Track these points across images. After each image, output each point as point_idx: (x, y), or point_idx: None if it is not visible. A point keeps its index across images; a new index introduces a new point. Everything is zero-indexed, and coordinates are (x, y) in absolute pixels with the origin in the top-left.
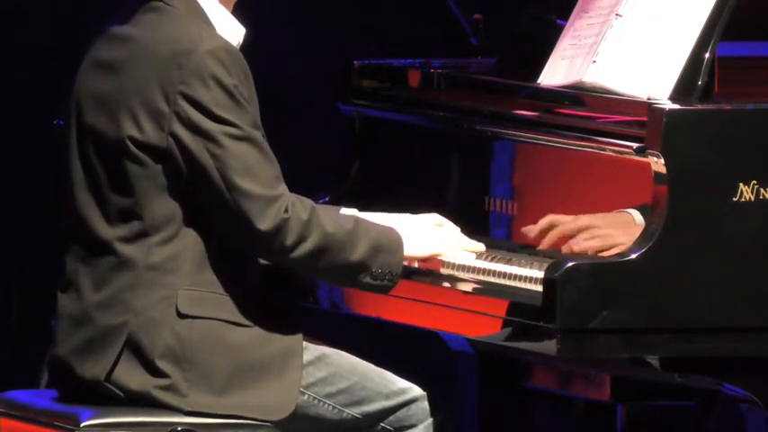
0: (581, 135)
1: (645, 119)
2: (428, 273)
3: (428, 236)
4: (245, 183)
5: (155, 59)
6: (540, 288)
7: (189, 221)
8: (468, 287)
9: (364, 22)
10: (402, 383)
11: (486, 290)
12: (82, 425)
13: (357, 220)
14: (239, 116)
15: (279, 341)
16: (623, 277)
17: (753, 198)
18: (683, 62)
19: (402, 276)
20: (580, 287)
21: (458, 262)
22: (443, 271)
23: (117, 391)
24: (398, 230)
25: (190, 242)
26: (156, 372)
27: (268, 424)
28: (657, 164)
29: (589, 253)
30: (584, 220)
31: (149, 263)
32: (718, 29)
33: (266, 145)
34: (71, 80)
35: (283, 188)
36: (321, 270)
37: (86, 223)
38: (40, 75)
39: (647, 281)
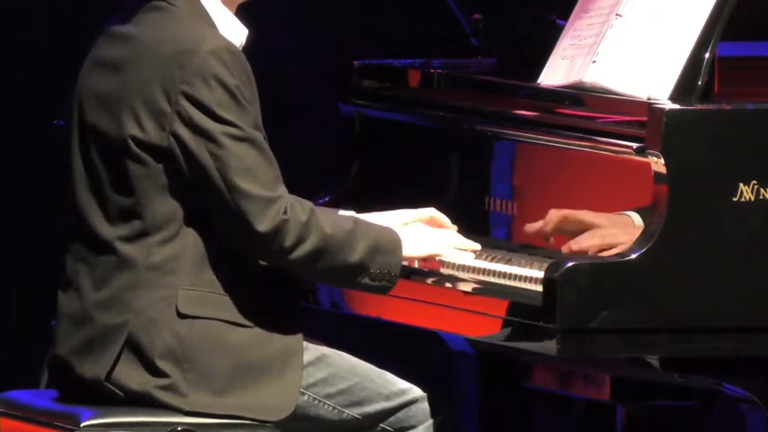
0: (581, 135)
1: (645, 119)
2: (428, 273)
3: (426, 236)
4: (244, 183)
5: (157, 59)
6: (540, 288)
7: (189, 221)
8: (468, 287)
9: (364, 22)
10: (402, 384)
11: (486, 290)
12: (82, 425)
13: (356, 221)
14: (240, 117)
15: (279, 341)
16: (623, 277)
17: (753, 198)
18: (683, 62)
19: (402, 276)
20: (580, 287)
21: (457, 262)
22: (443, 271)
23: (117, 391)
24: (397, 231)
25: (190, 242)
26: (156, 372)
27: (268, 424)
28: (657, 164)
29: (589, 252)
30: (586, 213)
31: (150, 262)
32: (718, 29)
33: (267, 146)
34: (72, 80)
35: (283, 190)
36: (320, 271)
37: (87, 223)
38: (40, 75)
39: (647, 281)
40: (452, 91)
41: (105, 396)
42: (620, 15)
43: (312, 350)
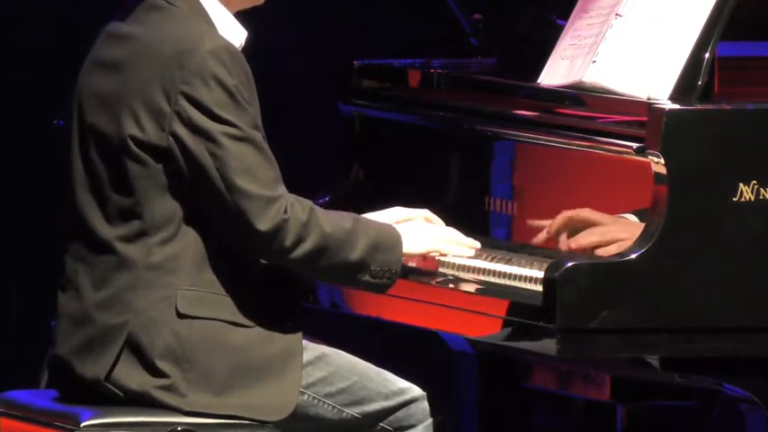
0: (581, 135)
1: (645, 119)
2: (428, 272)
3: (426, 232)
4: (244, 183)
5: (157, 59)
6: (540, 288)
7: (189, 221)
8: (468, 287)
9: (364, 22)
10: (402, 383)
11: (486, 290)
12: (82, 425)
13: (355, 219)
14: (239, 117)
15: (279, 341)
16: (623, 277)
17: (753, 198)
18: (683, 62)
19: (402, 276)
20: (580, 287)
21: (458, 261)
22: (443, 271)
23: (117, 391)
24: (397, 228)
25: (190, 242)
26: (155, 372)
27: (268, 424)
28: (657, 164)
29: (588, 250)
30: (586, 212)
31: (149, 262)
32: (718, 29)
33: (266, 146)
34: (72, 80)
35: (283, 189)
36: (320, 270)
37: (86, 223)
38: (40, 75)
39: (647, 281)
40: (452, 91)
41: (105, 396)
42: (620, 15)
43: (311, 349)
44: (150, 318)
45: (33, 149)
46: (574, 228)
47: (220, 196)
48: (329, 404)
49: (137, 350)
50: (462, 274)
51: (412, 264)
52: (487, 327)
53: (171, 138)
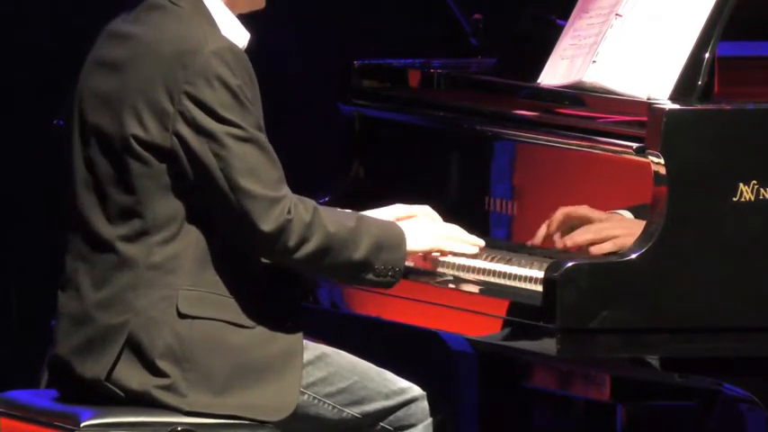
0: (581, 135)
1: (645, 119)
2: (428, 272)
3: (429, 229)
4: (248, 183)
5: (159, 59)
6: (540, 288)
7: (190, 221)
8: (468, 287)
9: (364, 22)
10: (402, 383)
11: (486, 290)
12: (82, 425)
13: (359, 218)
14: (243, 117)
15: (279, 342)
16: (623, 277)
17: (753, 198)
18: (683, 62)
19: (402, 276)
20: (580, 287)
21: (457, 261)
22: (443, 271)
23: (117, 391)
24: (400, 225)
25: (191, 242)
26: (156, 371)
27: (268, 424)
28: (657, 164)
29: (583, 248)
30: (583, 209)
31: (150, 262)
32: (718, 29)
33: (269, 146)
34: (72, 80)
35: (286, 189)
36: (324, 269)
37: (87, 222)
38: (40, 75)
39: (647, 281)
40: (452, 91)
41: (105, 396)
42: (620, 15)
43: (312, 349)
44: (151, 317)
45: (33, 149)
46: (571, 225)
47: (224, 197)
48: (329, 404)
49: (137, 350)
50: (462, 275)
51: (411, 263)
52: (487, 327)
53: (174, 138)
